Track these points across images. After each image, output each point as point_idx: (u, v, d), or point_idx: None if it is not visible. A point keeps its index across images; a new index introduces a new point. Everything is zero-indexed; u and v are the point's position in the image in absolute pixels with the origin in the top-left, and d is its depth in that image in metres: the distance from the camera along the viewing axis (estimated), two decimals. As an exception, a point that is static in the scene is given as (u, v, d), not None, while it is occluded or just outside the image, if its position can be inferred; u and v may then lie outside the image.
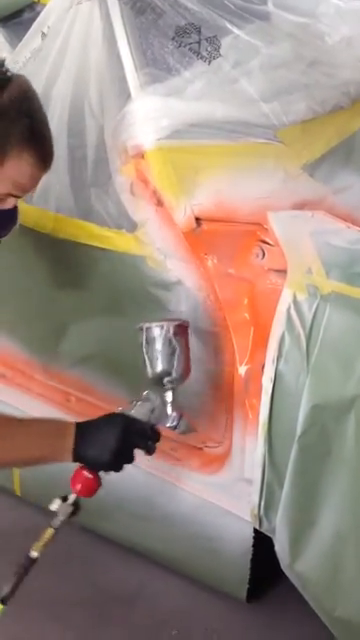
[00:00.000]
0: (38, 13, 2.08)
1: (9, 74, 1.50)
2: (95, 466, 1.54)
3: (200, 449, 1.89)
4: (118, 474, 1.55)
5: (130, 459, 1.55)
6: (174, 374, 1.67)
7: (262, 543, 1.83)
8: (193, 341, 1.75)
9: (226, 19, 1.98)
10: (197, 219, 1.78)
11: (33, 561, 1.52)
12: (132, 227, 1.86)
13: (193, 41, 1.91)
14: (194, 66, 1.89)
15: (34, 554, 1.52)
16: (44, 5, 2.08)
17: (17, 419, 1.55)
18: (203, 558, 2.02)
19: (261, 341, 1.67)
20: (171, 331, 1.66)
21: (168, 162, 1.81)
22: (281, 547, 1.69)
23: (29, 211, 1.91)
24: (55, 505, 1.55)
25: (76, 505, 1.55)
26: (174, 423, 1.66)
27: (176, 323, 1.68)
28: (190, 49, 1.90)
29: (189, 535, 2.00)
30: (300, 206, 1.81)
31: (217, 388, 1.81)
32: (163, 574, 2.12)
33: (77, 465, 1.55)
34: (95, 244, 1.93)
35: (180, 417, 1.67)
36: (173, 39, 1.90)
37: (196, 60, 1.90)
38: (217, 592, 2.05)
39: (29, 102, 1.51)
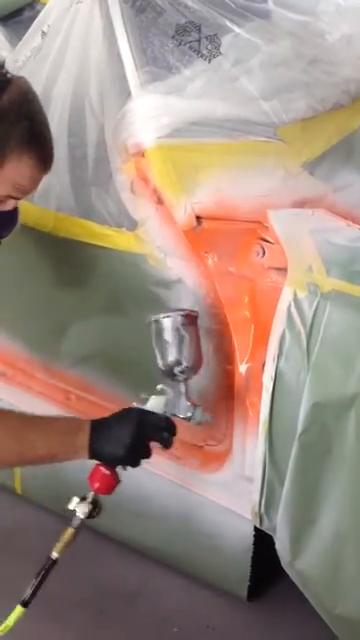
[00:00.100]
0: (38, 12, 2.08)
1: (9, 76, 1.51)
2: (112, 462, 1.53)
3: (201, 447, 1.89)
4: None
5: (147, 453, 1.55)
6: (184, 363, 1.67)
7: (263, 541, 1.84)
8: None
9: (226, 17, 1.98)
10: (197, 217, 1.78)
11: (54, 562, 1.52)
12: (132, 225, 1.87)
13: (193, 39, 1.91)
14: (194, 64, 1.89)
15: (55, 555, 1.52)
16: (44, 4, 2.08)
17: (30, 416, 1.54)
18: (204, 556, 2.02)
19: (262, 339, 1.67)
20: (179, 321, 1.66)
21: (168, 160, 1.81)
22: (282, 545, 1.69)
23: (30, 210, 1.91)
24: (73, 504, 1.54)
25: (95, 505, 1.55)
26: (189, 414, 1.66)
27: (184, 313, 1.68)
28: (190, 47, 1.90)
29: (190, 533, 2.00)
30: (300, 204, 1.81)
31: (218, 386, 1.81)
32: (164, 572, 2.12)
33: (94, 463, 1.54)
34: (96, 243, 1.93)
35: (195, 408, 1.67)
36: (173, 37, 1.90)
37: (196, 58, 1.90)
38: (218, 590, 2.05)
39: (29, 104, 1.51)
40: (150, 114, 1.82)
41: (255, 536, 1.87)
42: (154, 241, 1.83)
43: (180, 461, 1.92)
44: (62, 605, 2.05)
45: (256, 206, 1.75)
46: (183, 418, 1.66)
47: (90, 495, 1.54)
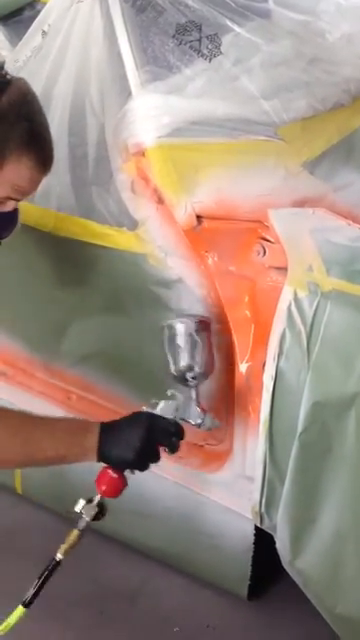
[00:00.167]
0: (38, 11, 2.08)
1: (8, 77, 1.50)
2: (120, 465, 1.53)
3: (201, 447, 1.89)
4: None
5: (156, 457, 1.55)
6: (197, 369, 1.67)
7: (263, 540, 1.84)
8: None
9: (227, 17, 1.97)
10: (198, 217, 1.78)
11: (58, 564, 1.52)
12: (133, 225, 1.86)
13: (194, 39, 1.91)
14: (195, 64, 1.89)
15: (59, 556, 1.52)
16: (44, 3, 2.08)
17: (37, 417, 1.54)
18: (204, 555, 2.02)
19: (262, 339, 1.67)
20: (193, 326, 1.67)
21: (169, 160, 1.81)
22: (282, 544, 1.69)
23: (30, 210, 1.91)
24: (79, 506, 1.54)
25: (101, 507, 1.55)
26: (199, 420, 1.66)
27: (198, 319, 1.69)
28: (191, 47, 1.90)
29: (190, 532, 2.01)
30: (301, 203, 1.81)
31: (218, 386, 1.81)
32: (164, 572, 2.12)
33: (101, 465, 1.54)
34: (96, 242, 1.93)
35: (205, 414, 1.67)
36: (174, 37, 1.90)
37: (197, 58, 1.90)
38: (218, 589, 2.05)
39: (28, 105, 1.51)
40: (151, 113, 1.82)
41: (256, 535, 1.87)
42: (155, 240, 1.83)
43: (181, 461, 1.92)
44: (62, 605, 2.05)
45: (256, 205, 1.75)
46: (193, 424, 1.66)
47: (97, 498, 1.55)
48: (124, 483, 1.55)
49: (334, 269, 1.59)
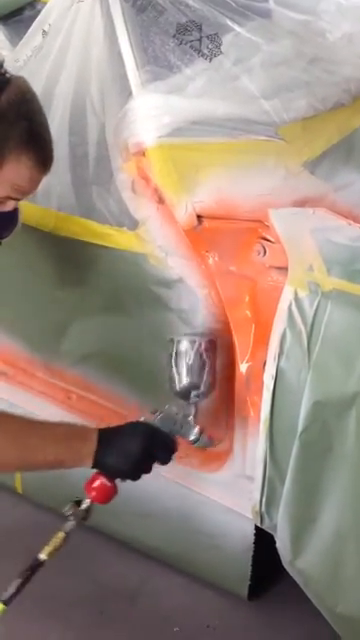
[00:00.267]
0: (39, 11, 2.08)
1: (8, 75, 1.48)
2: (114, 474, 1.54)
3: (201, 446, 1.89)
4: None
5: (149, 470, 1.56)
6: (202, 388, 1.69)
7: (263, 540, 1.84)
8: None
9: (227, 16, 1.97)
10: (198, 216, 1.78)
11: (40, 564, 1.52)
12: (133, 225, 1.86)
13: (194, 38, 1.91)
14: (195, 63, 1.89)
15: (42, 557, 1.51)
16: (45, 3, 2.08)
17: (36, 422, 1.54)
18: (204, 555, 2.02)
19: (262, 338, 1.67)
20: (203, 346, 1.68)
21: (169, 160, 1.81)
22: (282, 544, 1.69)
23: (31, 209, 1.91)
24: (68, 509, 1.54)
25: (88, 511, 1.55)
26: (195, 437, 1.67)
27: (208, 338, 1.70)
28: (191, 46, 1.90)
29: (190, 532, 2.01)
30: (301, 203, 1.81)
31: (218, 386, 1.81)
32: (164, 571, 2.12)
33: (93, 470, 1.54)
34: (96, 242, 1.93)
35: (201, 432, 1.68)
36: (174, 36, 1.90)
37: (197, 57, 1.90)
38: (218, 589, 2.05)
39: (28, 104, 1.50)
40: (151, 113, 1.82)
41: (256, 535, 1.87)
42: (155, 240, 1.83)
43: (181, 460, 1.92)
44: (62, 604, 2.05)
45: (257, 205, 1.75)
46: (189, 440, 1.67)
47: (87, 502, 1.55)
48: (116, 491, 1.56)
49: (335, 269, 1.59)
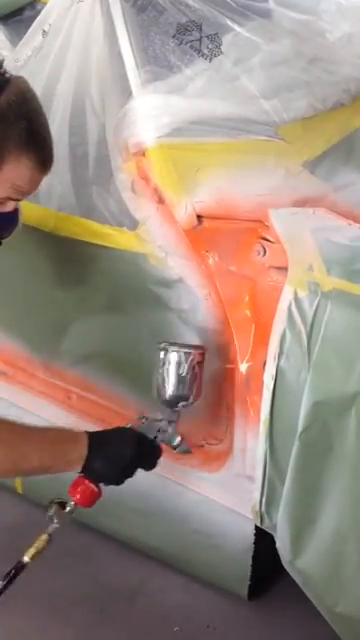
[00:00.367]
0: (39, 11, 2.08)
1: (7, 75, 1.48)
2: (101, 479, 1.55)
3: (201, 446, 1.89)
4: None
5: (133, 475, 1.58)
6: (191, 400, 1.70)
7: (263, 540, 1.84)
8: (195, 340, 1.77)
9: (227, 16, 1.98)
10: (198, 216, 1.78)
11: (23, 566, 1.51)
12: (133, 225, 1.86)
13: (194, 38, 1.91)
14: (195, 63, 1.89)
15: (26, 559, 1.52)
16: (45, 3, 2.08)
17: (25, 427, 1.54)
18: (204, 555, 2.02)
19: (262, 338, 1.67)
20: (196, 359, 1.68)
21: (169, 160, 1.81)
22: (282, 544, 1.69)
23: (31, 209, 1.91)
24: (52, 511, 1.55)
25: (71, 513, 1.56)
26: (178, 443, 1.69)
27: (201, 351, 1.70)
28: (191, 46, 1.90)
29: (190, 532, 2.01)
30: (301, 203, 1.81)
31: (218, 386, 1.81)
32: (164, 571, 2.12)
33: (76, 474, 1.55)
34: (96, 242, 1.93)
35: (182, 438, 1.70)
36: (174, 36, 1.90)
37: (197, 57, 1.90)
38: (218, 589, 2.05)
39: (28, 104, 1.49)
40: (151, 113, 1.82)
41: (256, 535, 1.87)
42: (155, 240, 1.83)
43: (181, 460, 1.92)
44: (62, 603, 2.05)
45: (257, 205, 1.75)
46: (172, 446, 1.69)
47: (71, 505, 1.56)
48: (100, 494, 1.57)
49: (334, 269, 1.59)
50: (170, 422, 1.69)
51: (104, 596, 2.09)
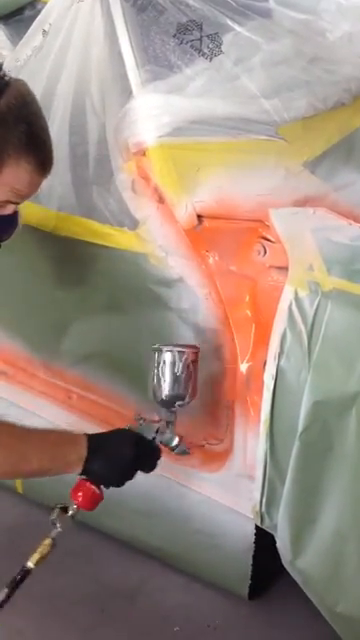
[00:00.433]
0: (39, 11, 2.07)
1: (7, 78, 1.47)
2: (102, 481, 1.55)
3: (202, 446, 1.89)
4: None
5: (133, 477, 1.58)
6: (187, 399, 1.70)
7: (264, 540, 1.84)
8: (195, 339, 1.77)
9: (227, 16, 1.97)
10: (198, 216, 1.78)
11: (28, 572, 1.51)
12: (134, 224, 1.86)
13: (194, 38, 1.91)
14: (195, 63, 1.89)
15: (30, 565, 1.51)
16: (45, 3, 2.08)
17: (25, 429, 1.54)
18: (205, 555, 2.02)
19: (263, 338, 1.67)
20: (190, 358, 1.68)
21: (169, 159, 1.81)
22: (283, 544, 1.69)
23: (31, 209, 1.91)
24: (54, 515, 1.55)
25: (73, 517, 1.56)
26: (176, 443, 1.69)
27: (195, 350, 1.70)
28: (191, 46, 1.90)
29: (191, 532, 2.01)
30: (301, 203, 1.81)
31: (219, 385, 1.81)
32: (165, 570, 2.13)
33: (77, 477, 1.55)
34: (97, 242, 1.93)
35: (180, 439, 1.70)
36: (174, 36, 1.90)
37: (197, 57, 1.90)
38: (219, 589, 2.05)
39: (28, 108, 1.48)
40: (151, 113, 1.82)
41: (256, 535, 1.87)
42: (155, 240, 1.83)
43: (181, 460, 1.92)
44: (63, 603, 2.05)
45: (257, 205, 1.75)
46: (171, 447, 1.69)
47: (74, 508, 1.56)
48: (101, 497, 1.57)
49: (335, 268, 1.59)
50: (168, 423, 1.69)
51: (105, 596, 2.09)
